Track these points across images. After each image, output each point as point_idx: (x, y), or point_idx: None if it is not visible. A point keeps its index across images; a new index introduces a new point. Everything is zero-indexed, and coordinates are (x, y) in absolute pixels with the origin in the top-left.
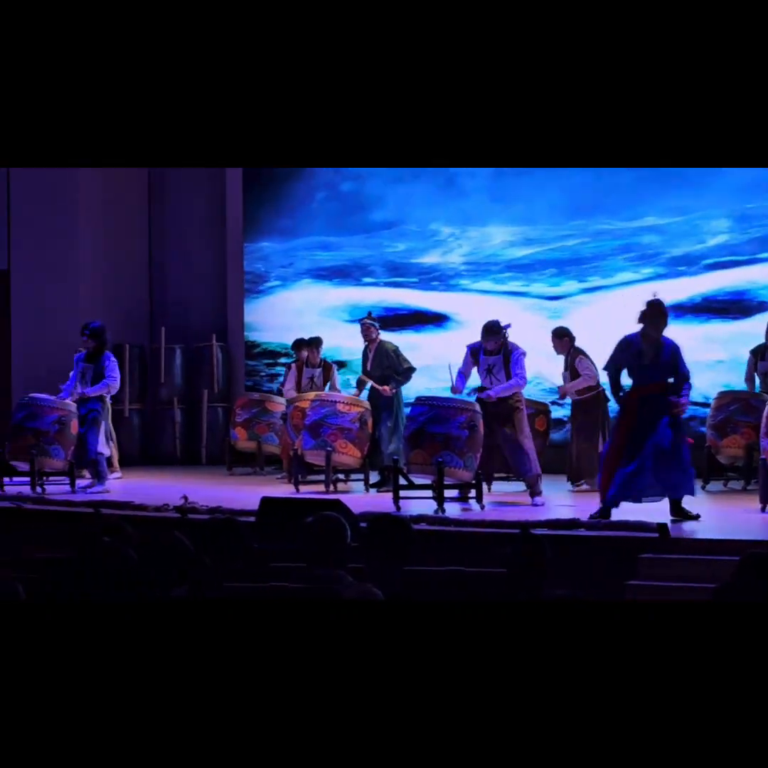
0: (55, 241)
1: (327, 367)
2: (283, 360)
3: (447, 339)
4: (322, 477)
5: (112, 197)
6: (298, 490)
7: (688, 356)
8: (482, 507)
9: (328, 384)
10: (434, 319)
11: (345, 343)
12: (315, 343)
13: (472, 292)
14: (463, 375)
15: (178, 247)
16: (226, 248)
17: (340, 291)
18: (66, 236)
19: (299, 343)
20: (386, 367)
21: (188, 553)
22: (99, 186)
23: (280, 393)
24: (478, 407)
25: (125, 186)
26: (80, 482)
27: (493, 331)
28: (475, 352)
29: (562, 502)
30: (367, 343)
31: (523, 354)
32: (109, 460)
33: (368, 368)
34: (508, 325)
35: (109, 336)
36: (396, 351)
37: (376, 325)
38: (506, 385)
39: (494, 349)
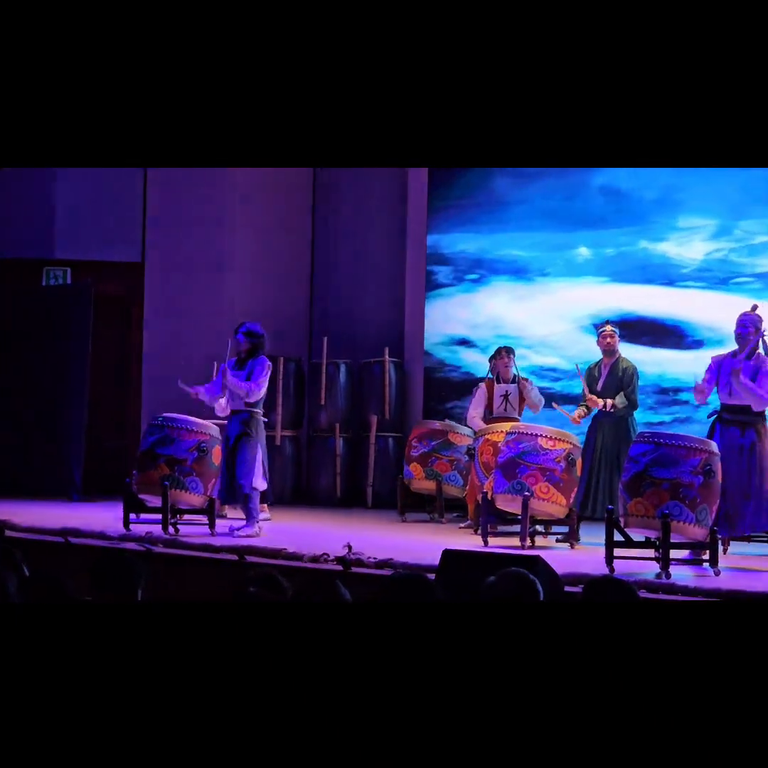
0: (199, 233)
1: (521, 383)
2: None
3: (678, 356)
4: (517, 528)
5: (272, 184)
6: (486, 544)
7: None
8: (717, 572)
9: (524, 402)
10: (663, 331)
11: (547, 359)
12: (503, 353)
13: (709, 294)
14: (701, 393)
15: (347, 243)
16: (406, 245)
17: (541, 296)
18: (212, 228)
19: (493, 355)
20: (618, 391)
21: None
22: (257, 171)
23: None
24: (715, 448)
25: (287, 172)
26: (225, 523)
27: None
28: (719, 365)
29: None
30: (601, 357)
31: None
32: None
33: (598, 389)
34: (755, 307)
35: (268, 343)
36: (634, 374)
37: (617, 332)
38: (754, 390)
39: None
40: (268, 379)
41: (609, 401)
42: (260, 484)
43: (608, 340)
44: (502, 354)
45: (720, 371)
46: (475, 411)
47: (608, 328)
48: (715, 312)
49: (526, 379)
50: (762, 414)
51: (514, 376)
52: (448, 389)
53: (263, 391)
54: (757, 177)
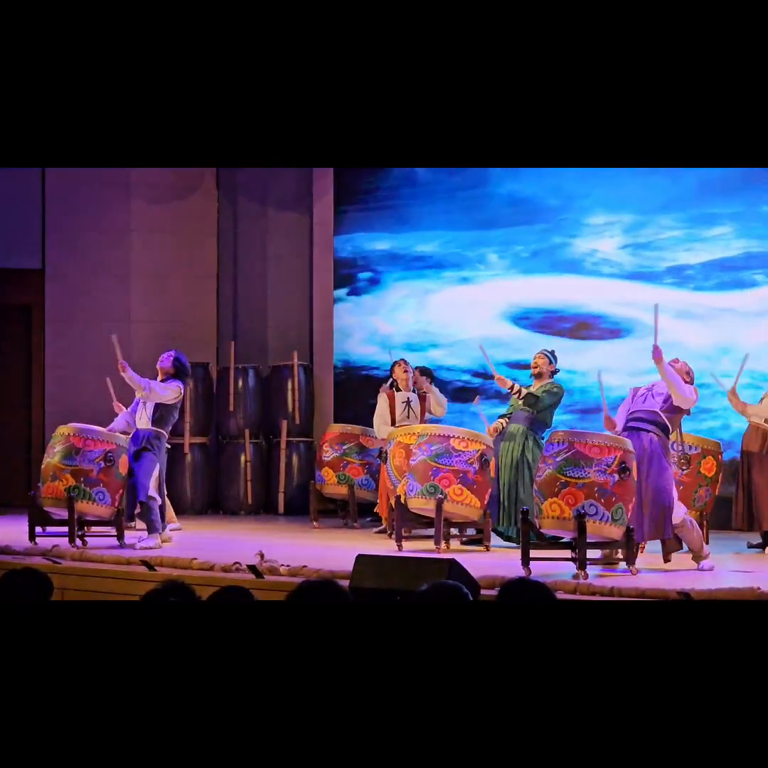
0: (100, 237)
1: (423, 388)
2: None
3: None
4: (431, 532)
5: (174, 184)
6: (400, 548)
7: None
8: (634, 572)
9: (426, 413)
10: (582, 328)
11: (459, 359)
12: (401, 363)
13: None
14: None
15: (253, 245)
16: (313, 244)
17: (453, 295)
18: (113, 232)
19: (392, 365)
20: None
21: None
22: (158, 172)
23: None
24: (630, 445)
25: (190, 172)
26: (134, 534)
27: None
28: (636, 392)
29: (735, 566)
30: (533, 377)
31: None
32: (160, 508)
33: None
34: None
35: (187, 371)
36: (555, 389)
37: (554, 359)
38: (676, 379)
39: None
40: (174, 396)
41: (516, 385)
42: (157, 494)
43: (539, 361)
44: (401, 364)
45: (635, 395)
46: (378, 421)
47: (536, 354)
48: (625, 303)
49: (427, 379)
50: (666, 427)
51: (414, 385)
52: (359, 392)
53: (163, 396)
54: (659, 177)
